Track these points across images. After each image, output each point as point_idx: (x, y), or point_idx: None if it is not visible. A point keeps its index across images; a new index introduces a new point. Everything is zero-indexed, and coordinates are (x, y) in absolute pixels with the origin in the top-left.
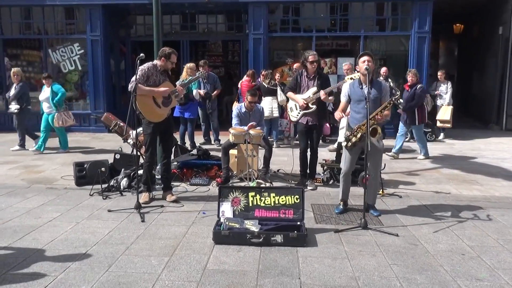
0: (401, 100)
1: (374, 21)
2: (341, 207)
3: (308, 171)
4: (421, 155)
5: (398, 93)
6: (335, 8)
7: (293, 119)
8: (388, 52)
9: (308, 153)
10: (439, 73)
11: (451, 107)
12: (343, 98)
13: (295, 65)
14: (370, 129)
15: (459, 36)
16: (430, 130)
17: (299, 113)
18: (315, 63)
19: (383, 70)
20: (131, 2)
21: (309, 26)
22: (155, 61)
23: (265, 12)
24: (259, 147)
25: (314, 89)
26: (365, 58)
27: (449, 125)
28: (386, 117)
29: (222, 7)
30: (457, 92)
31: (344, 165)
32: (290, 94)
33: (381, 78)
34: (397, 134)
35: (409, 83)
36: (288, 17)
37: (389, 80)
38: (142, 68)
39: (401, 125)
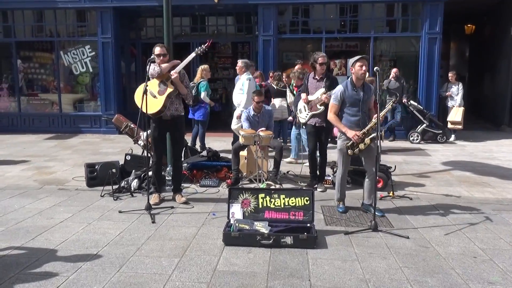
0: (412, 102)
1: (384, 22)
2: (341, 206)
3: (317, 172)
4: (291, 157)
5: (397, 97)
6: (345, 10)
7: (302, 120)
8: (398, 54)
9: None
10: (450, 74)
11: (462, 108)
12: (336, 101)
13: (296, 67)
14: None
15: (470, 37)
16: (441, 131)
17: (307, 114)
18: (324, 65)
19: (394, 70)
20: (142, 4)
21: (318, 27)
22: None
23: (274, 14)
24: (269, 148)
25: (322, 90)
26: (363, 63)
27: (460, 127)
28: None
29: (232, 9)
30: (468, 94)
31: (341, 166)
32: (302, 94)
33: (392, 78)
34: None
35: (295, 85)
36: (297, 19)
37: (402, 81)
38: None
39: (294, 128)
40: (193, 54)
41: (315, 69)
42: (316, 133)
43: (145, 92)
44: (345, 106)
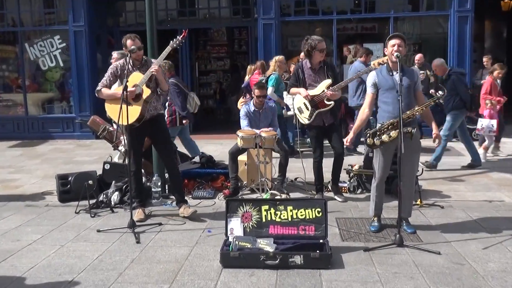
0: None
1: (406, 0)
2: (376, 223)
3: (331, 177)
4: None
5: (441, 93)
6: None
7: (305, 121)
8: (423, 36)
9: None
10: (484, 59)
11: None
12: (370, 89)
13: (301, 55)
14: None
15: (508, 15)
16: (475, 126)
17: (312, 113)
18: (325, 52)
19: (418, 57)
20: None
21: (328, 7)
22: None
23: None
24: (273, 152)
25: (329, 81)
26: (396, 41)
27: None
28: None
29: None
30: (507, 80)
31: (376, 171)
32: (293, 89)
33: (415, 66)
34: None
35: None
36: None
37: (427, 71)
38: (110, 68)
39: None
40: (168, 49)
41: (311, 57)
42: (325, 134)
43: (125, 88)
44: (380, 93)
